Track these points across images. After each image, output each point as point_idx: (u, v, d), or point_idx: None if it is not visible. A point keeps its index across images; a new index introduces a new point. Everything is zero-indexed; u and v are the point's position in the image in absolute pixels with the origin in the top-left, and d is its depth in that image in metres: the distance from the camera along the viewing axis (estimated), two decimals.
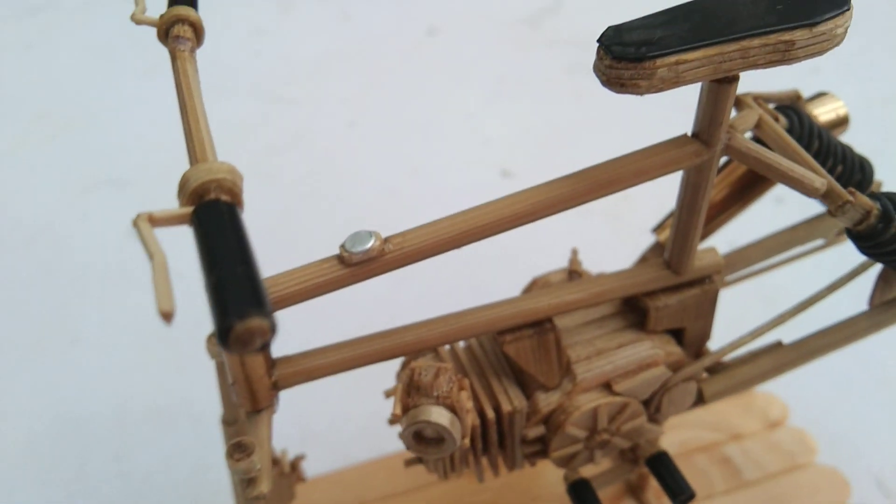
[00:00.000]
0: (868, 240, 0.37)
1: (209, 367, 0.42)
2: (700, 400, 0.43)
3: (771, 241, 0.50)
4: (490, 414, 0.39)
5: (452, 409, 0.35)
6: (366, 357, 0.37)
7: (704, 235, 0.48)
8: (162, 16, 0.33)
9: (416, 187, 0.90)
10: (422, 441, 0.36)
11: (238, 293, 0.18)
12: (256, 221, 0.84)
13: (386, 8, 1.22)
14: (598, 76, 0.31)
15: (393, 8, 1.22)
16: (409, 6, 1.22)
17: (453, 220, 0.34)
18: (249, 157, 0.95)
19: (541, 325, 0.40)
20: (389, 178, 0.91)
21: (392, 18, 1.20)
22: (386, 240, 0.34)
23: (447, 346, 0.43)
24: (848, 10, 0.31)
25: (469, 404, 0.37)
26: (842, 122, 0.48)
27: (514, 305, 0.39)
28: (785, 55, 0.31)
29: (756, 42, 0.30)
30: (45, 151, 0.98)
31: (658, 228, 0.50)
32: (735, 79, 0.33)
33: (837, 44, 0.31)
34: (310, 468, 0.57)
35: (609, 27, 0.32)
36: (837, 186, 0.35)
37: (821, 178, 0.35)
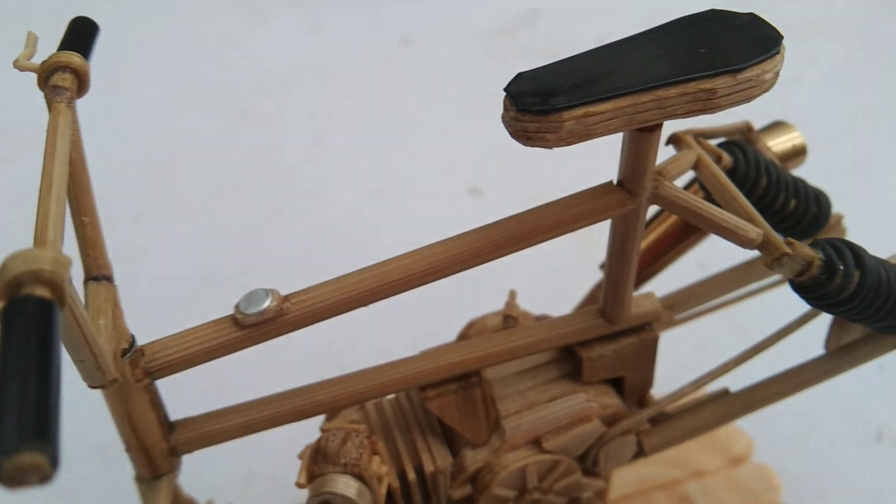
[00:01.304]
0: (811, 291, 0.35)
1: None
2: (640, 452, 0.41)
3: (726, 276, 0.47)
4: (411, 475, 0.37)
5: (361, 478, 0.33)
6: (273, 419, 0.35)
7: (652, 274, 0.46)
8: (44, 62, 0.31)
9: (380, 207, 0.87)
10: None
11: (16, 421, 0.16)
12: (213, 243, 0.83)
13: (360, 18, 1.20)
14: (505, 127, 0.29)
15: (367, 18, 1.19)
16: (384, 16, 1.19)
17: (359, 277, 0.32)
18: (210, 175, 0.92)
19: (467, 379, 0.38)
20: (354, 196, 0.88)
21: (366, 29, 1.17)
22: (285, 298, 0.32)
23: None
24: (777, 53, 0.29)
25: (383, 469, 0.35)
26: (799, 153, 0.46)
27: (436, 359, 0.37)
28: (706, 104, 0.28)
29: (673, 91, 0.28)
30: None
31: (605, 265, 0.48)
32: (658, 127, 0.31)
33: (767, 89, 0.29)
34: None
35: (519, 74, 0.30)
36: (775, 237, 0.33)
37: (756, 229, 0.33)
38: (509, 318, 0.41)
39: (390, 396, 0.41)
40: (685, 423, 0.41)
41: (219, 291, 0.79)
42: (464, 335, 0.43)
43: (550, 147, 0.29)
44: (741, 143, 0.41)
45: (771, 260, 0.33)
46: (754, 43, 0.29)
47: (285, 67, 1.10)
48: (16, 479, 0.15)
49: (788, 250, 0.33)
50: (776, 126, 0.46)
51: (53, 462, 0.15)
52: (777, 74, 0.29)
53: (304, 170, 0.93)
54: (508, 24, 1.15)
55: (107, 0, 1.25)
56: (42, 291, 0.19)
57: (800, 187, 0.42)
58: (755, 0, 1.19)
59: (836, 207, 0.87)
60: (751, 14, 0.30)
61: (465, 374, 0.37)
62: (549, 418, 0.38)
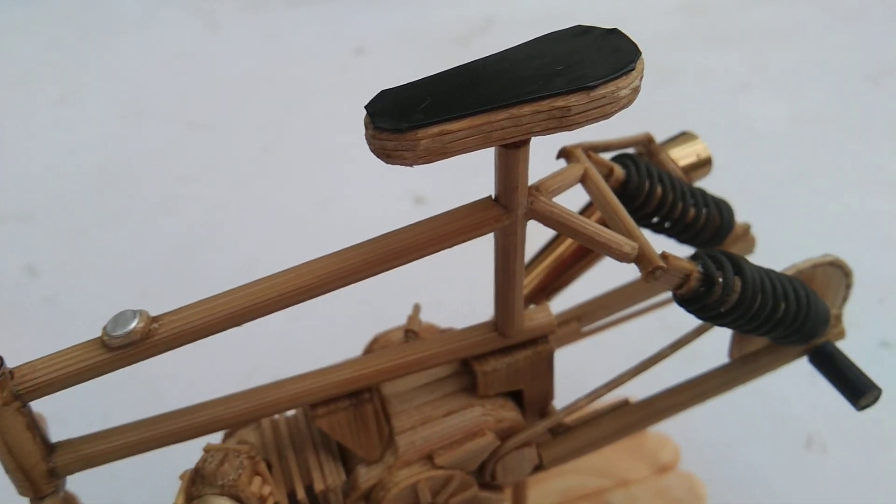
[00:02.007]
0: (692, 304, 0.35)
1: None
2: (539, 465, 0.41)
3: (634, 287, 0.48)
4: (300, 494, 0.37)
5: (238, 499, 0.33)
6: (154, 440, 0.34)
7: (563, 285, 0.46)
8: None
9: (327, 216, 0.87)
10: None
11: None
12: (156, 256, 0.82)
13: (315, 27, 1.20)
14: (367, 145, 0.29)
15: (321, 27, 1.19)
16: (338, 25, 1.19)
17: (232, 296, 0.32)
18: (157, 188, 0.92)
19: (359, 396, 0.37)
20: (299, 207, 0.88)
21: (320, 38, 1.17)
22: (154, 319, 0.31)
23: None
24: (632, 70, 0.29)
25: (266, 490, 0.34)
26: (703, 164, 0.46)
27: (324, 377, 0.36)
28: (562, 121, 0.28)
29: (527, 109, 0.28)
30: None
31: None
32: (524, 143, 0.31)
33: (624, 105, 0.29)
34: None
35: (382, 91, 0.30)
36: (650, 251, 0.33)
37: (631, 243, 0.33)
38: (410, 332, 0.41)
39: (289, 413, 0.41)
40: (584, 434, 0.41)
41: (158, 307, 0.79)
42: (368, 349, 0.43)
43: (410, 165, 0.28)
44: (634, 156, 0.41)
45: (646, 273, 0.33)
46: (612, 59, 0.29)
47: (238, 77, 1.10)
48: None
49: (662, 263, 0.33)
50: (680, 137, 0.46)
51: None
52: (635, 91, 0.29)
53: (252, 180, 0.92)
54: (462, 32, 1.16)
55: (60, 12, 1.25)
56: None
57: (699, 197, 0.42)
58: (708, 6, 1.20)
59: (780, 212, 0.88)
60: (614, 30, 0.30)
61: (357, 391, 0.37)
62: (443, 433, 0.38)
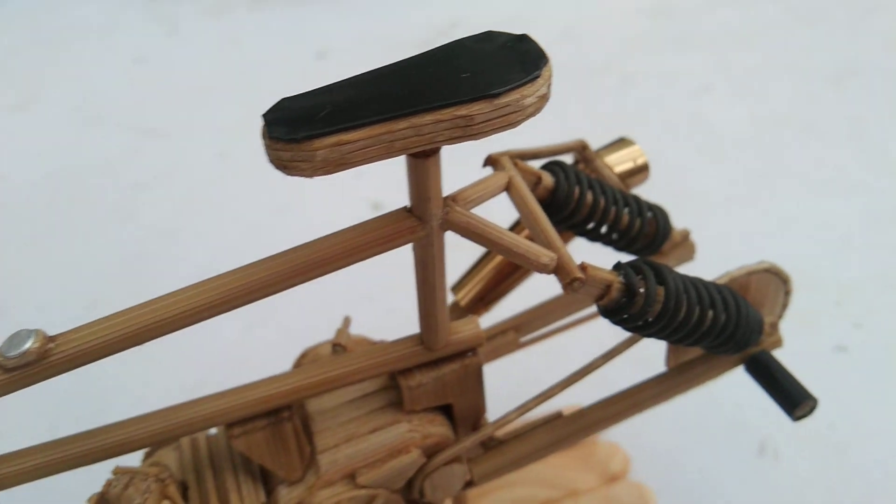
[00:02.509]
0: (615, 315, 0.34)
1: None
2: (470, 482, 0.40)
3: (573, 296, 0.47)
4: None
5: None
6: (62, 463, 0.33)
7: (499, 297, 0.45)
8: None
9: (283, 224, 0.86)
10: None
11: None
12: (106, 266, 0.80)
13: (276, 31, 1.18)
14: (268, 158, 0.28)
15: (283, 31, 1.18)
16: (300, 29, 1.18)
17: (132, 314, 0.31)
18: (109, 196, 0.90)
19: (277, 414, 0.36)
20: (256, 214, 0.87)
21: (281, 42, 1.16)
22: (51, 339, 0.30)
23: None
24: (537, 77, 0.28)
25: None
26: (640, 170, 0.45)
27: (242, 395, 0.35)
28: (466, 130, 0.27)
29: (428, 118, 0.27)
30: None
31: (456, 287, 0.47)
32: (433, 152, 0.30)
33: (532, 114, 0.28)
34: None
35: (282, 99, 0.28)
36: (568, 262, 0.32)
37: (549, 254, 0.32)
38: (337, 346, 0.40)
39: (212, 431, 0.39)
40: (516, 448, 0.40)
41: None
42: (297, 364, 0.42)
43: (309, 176, 0.27)
44: (564, 164, 0.40)
45: (564, 284, 0.32)
46: (518, 66, 0.28)
47: (197, 82, 1.08)
48: None
49: (580, 275, 0.32)
50: (617, 143, 0.45)
51: None
52: (542, 99, 0.28)
53: (208, 188, 0.91)
54: (425, 35, 1.15)
55: (16, 18, 1.23)
56: None
57: (632, 204, 0.42)
58: (671, 9, 1.20)
59: (739, 215, 0.87)
60: (523, 36, 0.29)
61: (276, 409, 0.36)
62: (367, 451, 0.37)
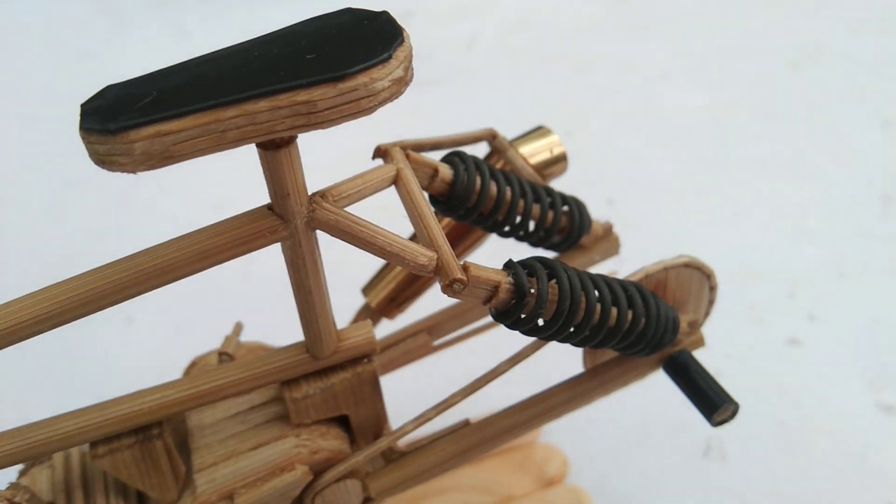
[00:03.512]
0: (506, 318, 0.31)
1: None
2: (368, 498, 0.37)
3: None
4: None
5: None
6: None
7: (412, 297, 0.43)
8: None
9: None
10: None
11: None
12: (36, 267, 0.77)
13: (227, 23, 1.15)
14: (87, 152, 0.25)
15: (235, 24, 1.15)
16: (252, 21, 1.14)
17: None
18: (42, 193, 0.87)
19: (146, 431, 0.33)
20: (192, 211, 0.83)
21: (234, 35, 1.12)
22: None
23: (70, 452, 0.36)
24: (389, 59, 0.25)
25: None
26: (558, 161, 0.42)
27: (104, 411, 0.32)
28: (310, 118, 0.24)
29: (263, 105, 0.24)
30: None
31: (366, 288, 0.44)
32: (288, 141, 0.27)
33: (386, 99, 0.25)
34: None
35: (107, 86, 0.25)
36: (449, 262, 0.29)
37: (428, 253, 0.29)
38: (223, 355, 0.37)
39: (85, 447, 0.36)
40: (418, 460, 0.37)
41: None
42: (186, 374, 0.39)
43: (132, 171, 0.24)
44: (464, 154, 0.37)
45: (443, 286, 0.29)
46: (372, 46, 0.25)
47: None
48: None
49: (461, 276, 0.29)
50: (534, 132, 0.43)
51: None
52: (397, 82, 0.25)
53: (142, 185, 0.87)
54: None
55: None
56: None
57: (543, 196, 0.39)
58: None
59: (693, 203, 0.84)
60: (383, 13, 0.27)
61: (144, 426, 0.33)
62: (247, 470, 0.34)
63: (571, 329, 0.32)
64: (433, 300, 0.45)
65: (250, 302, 0.73)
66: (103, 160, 0.24)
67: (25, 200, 0.86)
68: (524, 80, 0.99)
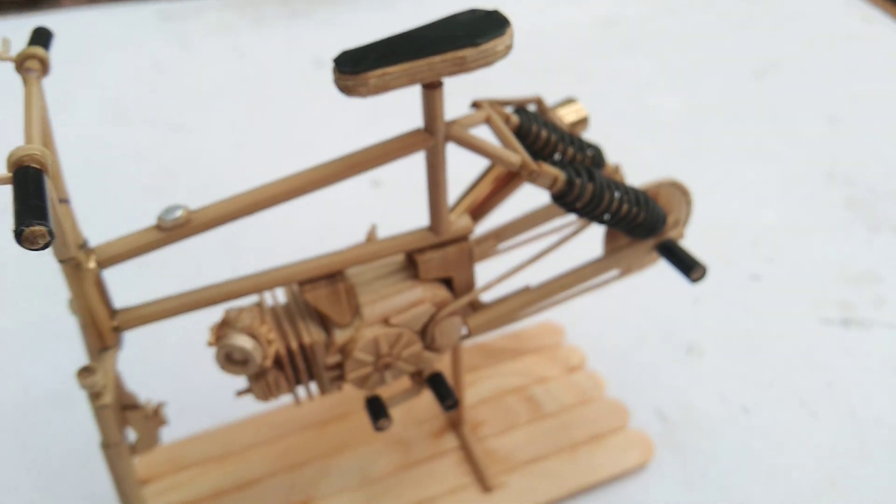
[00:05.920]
0: (560, 199, 0.51)
1: None
2: (469, 332, 0.56)
3: (546, 210, 0.63)
4: (294, 344, 0.51)
5: (254, 337, 0.47)
6: (190, 304, 0.49)
7: (484, 213, 0.62)
8: (18, 54, 0.45)
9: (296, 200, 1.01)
10: (232, 362, 0.48)
11: (28, 211, 0.30)
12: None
13: (277, 44, 1.35)
14: (336, 86, 0.44)
15: (283, 44, 1.35)
16: (299, 41, 1.35)
17: (243, 196, 0.47)
18: (143, 181, 1.06)
19: (332, 277, 0.52)
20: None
21: (282, 53, 1.33)
22: (192, 212, 0.46)
23: (269, 301, 0.55)
24: (503, 34, 0.44)
25: (271, 335, 0.49)
26: (582, 121, 0.62)
27: (308, 264, 0.51)
28: (462, 67, 0.44)
29: (437, 59, 0.44)
30: None
31: (455, 205, 0.63)
32: (438, 84, 0.46)
33: (501, 57, 0.45)
34: (185, 430, 0.69)
35: (342, 51, 0.45)
36: (529, 162, 0.49)
37: (516, 156, 0.49)
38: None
39: (281, 291, 0.55)
40: (497, 309, 0.57)
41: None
42: (368, 238, 0.57)
43: (364, 96, 0.44)
44: (527, 109, 0.57)
45: (527, 175, 0.49)
46: (492, 28, 0.45)
47: (210, 87, 1.24)
48: (30, 240, 0.29)
49: (537, 168, 0.49)
50: (566, 101, 0.62)
51: (50, 233, 0.30)
52: (508, 48, 0.45)
53: (229, 173, 1.07)
54: None
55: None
56: (35, 165, 0.33)
57: (575, 141, 0.58)
58: (620, 19, 1.38)
59: None
60: (495, 11, 0.46)
61: (331, 274, 0.52)
62: (395, 304, 0.53)
63: (599, 211, 0.51)
64: (501, 216, 0.64)
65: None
66: (349, 89, 0.43)
67: (129, 188, 1.05)
68: (533, 88, 1.20)
